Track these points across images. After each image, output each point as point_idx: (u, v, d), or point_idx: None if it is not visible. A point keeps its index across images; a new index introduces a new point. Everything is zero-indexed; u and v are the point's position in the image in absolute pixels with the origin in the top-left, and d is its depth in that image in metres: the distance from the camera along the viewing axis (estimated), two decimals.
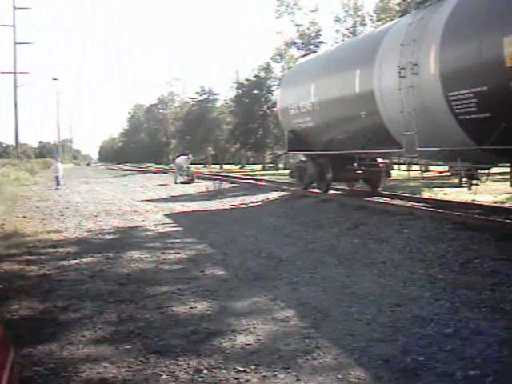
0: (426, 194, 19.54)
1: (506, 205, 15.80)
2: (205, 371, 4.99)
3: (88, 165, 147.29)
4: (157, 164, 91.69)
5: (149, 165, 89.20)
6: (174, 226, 14.67)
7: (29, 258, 10.44)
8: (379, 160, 19.01)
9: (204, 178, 36.41)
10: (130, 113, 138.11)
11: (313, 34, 55.92)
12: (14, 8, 53.35)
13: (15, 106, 53.72)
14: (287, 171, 33.08)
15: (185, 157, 37.67)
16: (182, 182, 34.01)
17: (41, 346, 5.67)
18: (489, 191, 18.34)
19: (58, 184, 31.84)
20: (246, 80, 67.96)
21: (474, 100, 11.07)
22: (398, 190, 20.55)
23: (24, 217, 16.65)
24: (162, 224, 15.00)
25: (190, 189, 28.90)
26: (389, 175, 19.73)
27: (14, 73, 53.72)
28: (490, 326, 5.91)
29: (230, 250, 10.98)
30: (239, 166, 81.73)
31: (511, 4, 10.56)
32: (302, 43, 56.11)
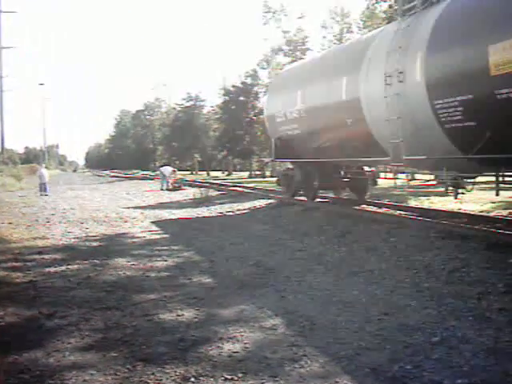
0: (413, 203, 19.60)
1: (492, 214, 15.89)
2: (192, 379, 4.97)
3: (74, 171, 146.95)
4: (144, 170, 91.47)
5: (135, 171, 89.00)
6: (160, 234, 14.63)
7: (14, 264, 10.38)
8: (366, 168, 19.06)
9: (191, 186, 36.39)
10: (116, 119, 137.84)
11: (299, 41, 56.14)
12: (0, 12, 53.14)
13: (1, 111, 53.51)
14: (274, 179, 33.11)
15: (170, 168, 37.68)
16: (168, 189, 33.97)
17: (26, 353, 5.63)
18: (475, 200, 18.42)
19: (44, 190, 31.64)
20: (233, 86, 67.94)
21: (459, 108, 11.12)
22: (385, 199, 20.60)
23: (10, 223, 16.56)
24: (149, 231, 14.96)
25: (177, 196, 28.86)
26: (375, 183, 19.78)
27: (0, 77, 53.46)
28: (476, 334, 5.93)
29: (217, 257, 10.96)
30: (226, 173, 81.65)
31: (496, 12, 10.64)
32: (289, 50, 56.33)
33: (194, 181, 43.81)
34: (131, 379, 5.00)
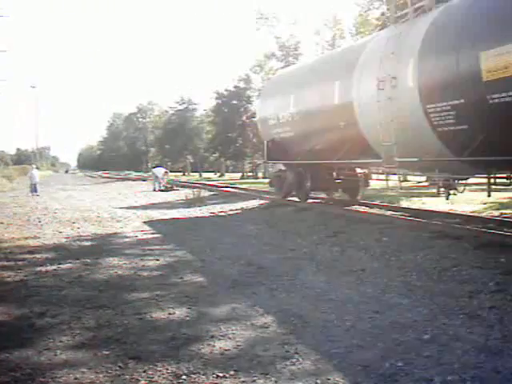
0: (405, 204, 19.66)
1: (483, 214, 15.95)
2: (183, 377, 4.96)
3: (66, 172, 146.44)
4: (136, 172, 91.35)
5: (128, 172, 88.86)
6: (152, 233, 14.60)
7: (5, 263, 10.34)
8: (358, 170, 19.10)
9: (183, 186, 36.37)
10: (109, 121, 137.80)
11: (292, 46, 56.27)
12: None
13: None
14: (266, 180, 33.14)
15: (163, 170, 37.63)
16: (161, 190, 33.95)
17: (17, 352, 5.61)
18: (466, 201, 18.49)
19: (35, 191, 31.55)
20: (226, 90, 68.14)
21: (451, 113, 11.24)
22: (377, 200, 20.65)
23: (1, 223, 16.50)
24: (141, 231, 14.93)
25: (170, 196, 28.82)
26: (367, 185, 19.82)
27: None
28: (467, 332, 5.95)
29: (209, 257, 10.96)
30: (218, 174, 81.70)
31: (487, 20, 10.74)
32: (282, 55, 56.43)
33: (187, 182, 43.78)
34: (122, 377, 4.99)
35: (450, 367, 5.01)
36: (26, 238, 13.37)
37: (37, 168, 38.57)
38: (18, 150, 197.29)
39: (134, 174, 77.00)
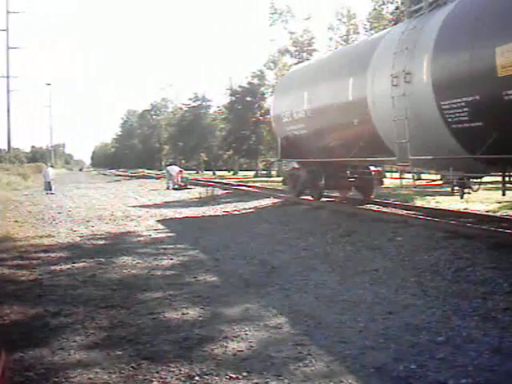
0: (419, 202, 19.59)
1: (497, 214, 15.86)
2: (196, 378, 4.97)
3: (80, 170, 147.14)
4: (150, 170, 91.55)
5: (141, 170, 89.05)
6: (166, 232, 14.64)
7: (20, 262, 10.41)
8: (372, 168, 19.03)
9: (197, 184, 36.41)
10: (122, 118, 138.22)
11: (306, 42, 56.10)
12: (8, 12, 53.30)
13: (8, 110, 53.76)
14: (280, 178, 33.12)
15: (177, 168, 37.52)
16: (174, 188, 33.99)
17: (32, 351, 5.65)
18: (481, 200, 18.39)
19: (49, 189, 31.65)
20: (240, 87, 67.98)
21: (466, 109, 11.10)
22: (391, 198, 20.58)
23: (16, 221, 16.60)
24: (155, 230, 14.97)
25: (183, 195, 28.87)
26: (381, 183, 19.75)
27: (7, 77, 53.64)
28: (481, 334, 5.92)
29: (223, 256, 10.97)
30: (232, 172, 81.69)
31: (503, 13, 10.61)
32: (296, 51, 56.28)
33: (200, 180, 43.83)
34: (136, 377, 5.01)
35: (464, 370, 4.99)
36: (41, 237, 13.45)
37: (51, 166, 38.73)
38: (33, 147, 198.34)
39: (147, 172, 77.07)
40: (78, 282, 8.80)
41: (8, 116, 54.04)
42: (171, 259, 10.66)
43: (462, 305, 7.06)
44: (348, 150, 16.70)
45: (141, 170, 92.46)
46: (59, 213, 19.25)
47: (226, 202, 23.11)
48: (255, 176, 65.07)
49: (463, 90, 11.13)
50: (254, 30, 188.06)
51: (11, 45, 54.32)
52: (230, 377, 4.98)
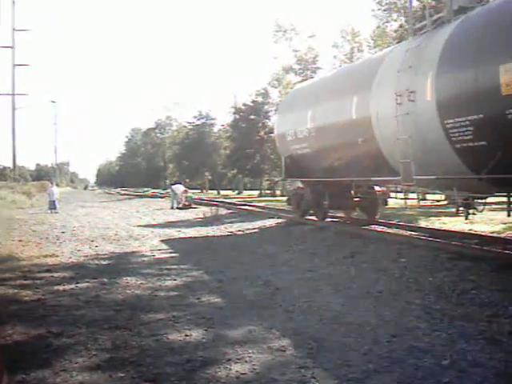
0: (423, 223, 19.54)
1: (502, 235, 15.78)
2: None
3: (85, 188, 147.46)
4: (154, 189, 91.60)
5: (146, 189, 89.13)
6: (170, 252, 14.62)
7: (24, 282, 10.40)
8: (376, 188, 19.01)
9: (201, 204, 36.42)
10: (127, 136, 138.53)
11: (310, 60, 56.32)
12: (14, 30, 53.63)
13: (13, 128, 53.82)
14: (285, 197, 33.09)
15: (182, 187, 37.54)
16: (178, 208, 34.01)
17: (34, 373, 5.62)
18: (485, 221, 18.34)
19: (54, 208, 31.71)
20: (244, 105, 68.21)
21: (470, 128, 11.08)
22: (395, 219, 20.55)
23: (20, 240, 16.61)
24: (159, 250, 14.96)
25: (187, 214, 28.87)
26: (386, 203, 19.73)
27: (13, 95, 53.85)
28: (487, 357, 5.87)
29: (226, 277, 10.94)
30: (236, 191, 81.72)
31: (507, 31, 10.62)
32: (300, 68, 56.49)
33: (204, 199, 43.82)
34: None
35: None
36: (45, 256, 13.44)
37: (56, 185, 38.80)
38: (38, 165, 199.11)
39: (151, 191, 77.14)
40: (81, 302, 8.78)
41: (13, 134, 54.02)
42: (175, 280, 10.63)
43: (466, 328, 7.00)
44: (352, 170, 16.72)
45: (146, 188, 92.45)
46: (63, 232, 19.27)
47: (230, 222, 23.10)
48: (259, 195, 65.05)
49: (467, 109, 11.11)
50: (258, 48, 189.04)
51: (17, 62, 54.50)
52: None
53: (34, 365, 5.85)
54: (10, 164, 66.61)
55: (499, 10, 11.23)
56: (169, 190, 41.40)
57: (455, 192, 12.66)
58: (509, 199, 12.02)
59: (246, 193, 78.11)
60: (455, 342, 6.42)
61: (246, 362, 5.92)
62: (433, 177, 12.76)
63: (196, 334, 6.95)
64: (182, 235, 18.81)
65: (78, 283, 10.26)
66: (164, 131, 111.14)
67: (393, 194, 18.66)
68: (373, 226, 18.58)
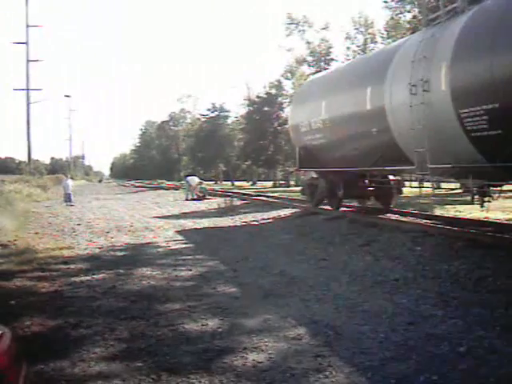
0: (438, 211, 19.45)
1: None
2: None
3: (100, 181, 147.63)
4: (169, 181, 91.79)
5: (160, 181, 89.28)
6: (185, 243, 14.66)
7: (41, 274, 10.47)
8: (390, 177, 18.94)
9: (215, 195, 36.45)
10: (141, 129, 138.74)
11: (323, 52, 56.10)
12: (27, 26, 53.81)
13: (28, 122, 54.03)
14: (298, 188, 33.05)
15: (196, 179, 37.54)
16: (193, 199, 34.05)
17: (52, 363, 5.67)
18: (501, 208, 18.22)
19: (69, 201, 31.84)
20: (257, 97, 68.17)
21: (485, 117, 11.01)
22: (410, 207, 20.47)
23: (36, 233, 16.72)
24: (174, 241, 15.00)
25: (202, 205, 28.89)
26: (400, 192, 19.63)
27: (27, 90, 54.06)
28: (504, 344, 5.85)
29: (242, 267, 10.96)
30: (250, 182, 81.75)
31: None
32: (313, 60, 56.32)
33: (218, 190, 43.84)
34: None
35: (486, 381, 4.93)
36: (61, 249, 13.52)
37: (71, 178, 38.96)
38: (53, 158, 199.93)
39: (166, 183, 77.24)
40: (97, 293, 8.84)
41: (28, 128, 54.22)
42: (190, 270, 10.67)
43: (483, 315, 6.99)
44: (366, 160, 16.64)
45: (160, 180, 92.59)
46: (79, 224, 19.37)
47: (245, 213, 23.09)
48: (273, 186, 65.04)
49: (482, 98, 11.04)
50: (271, 40, 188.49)
51: (31, 58, 54.69)
52: None
53: (52, 355, 5.90)
54: (25, 158, 66.84)
55: None
56: (183, 182, 41.42)
57: (470, 180, 12.59)
58: None
59: (260, 184, 78.13)
60: (472, 329, 6.40)
61: (262, 350, 5.94)
62: (448, 165, 12.69)
63: (212, 324, 6.97)
64: (197, 226, 18.84)
65: (94, 274, 10.32)
66: (178, 124, 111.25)
67: (407, 183, 18.59)
68: (388, 214, 18.52)
